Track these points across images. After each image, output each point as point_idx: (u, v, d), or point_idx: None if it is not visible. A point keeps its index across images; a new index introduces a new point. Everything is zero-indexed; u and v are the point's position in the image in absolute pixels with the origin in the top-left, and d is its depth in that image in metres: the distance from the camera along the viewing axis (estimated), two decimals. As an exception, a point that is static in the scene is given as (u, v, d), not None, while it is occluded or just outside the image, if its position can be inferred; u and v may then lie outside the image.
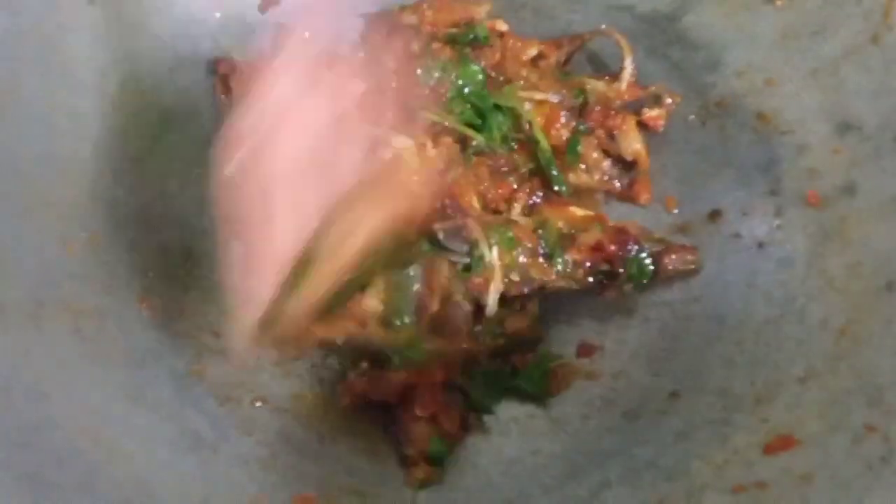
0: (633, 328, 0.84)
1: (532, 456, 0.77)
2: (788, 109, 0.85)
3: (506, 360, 0.81)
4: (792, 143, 0.84)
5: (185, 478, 0.70)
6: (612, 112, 0.89)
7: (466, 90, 0.87)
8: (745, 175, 0.87)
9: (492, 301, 0.79)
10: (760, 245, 0.84)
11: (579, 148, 0.89)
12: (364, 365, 0.77)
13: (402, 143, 0.81)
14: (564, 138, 0.89)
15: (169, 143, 0.88)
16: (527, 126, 0.88)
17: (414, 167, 0.80)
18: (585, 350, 0.83)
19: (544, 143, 0.87)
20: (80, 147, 0.81)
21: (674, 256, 0.83)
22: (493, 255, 0.79)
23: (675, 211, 0.89)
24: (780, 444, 0.71)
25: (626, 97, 0.90)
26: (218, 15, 0.90)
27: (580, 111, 0.90)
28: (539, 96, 0.89)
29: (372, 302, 0.76)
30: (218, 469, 0.72)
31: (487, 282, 0.79)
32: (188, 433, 0.74)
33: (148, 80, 0.87)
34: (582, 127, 0.89)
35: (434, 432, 0.75)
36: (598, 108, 0.89)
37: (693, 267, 0.84)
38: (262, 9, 0.92)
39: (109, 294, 0.78)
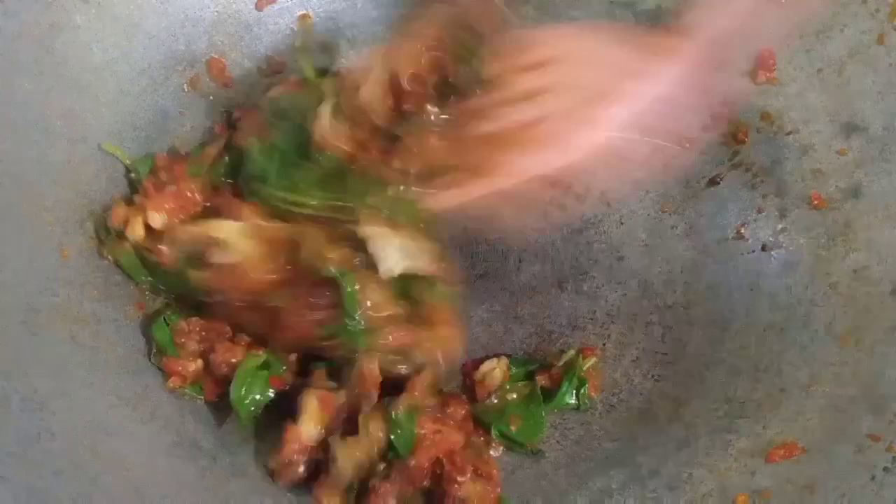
0: (634, 332, 0.83)
1: (534, 463, 0.77)
2: (793, 109, 0.84)
3: (531, 391, 0.78)
4: (796, 144, 0.83)
5: (183, 488, 0.70)
6: None
7: None
8: (749, 176, 0.86)
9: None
10: (764, 247, 0.83)
11: None
12: (382, 466, 0.72)
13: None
14: None
15: (164, 143, 0.87)
16: None
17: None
18: (587, 354, 0.82)
19: None
20: (75, 149, 0.80)
21: None
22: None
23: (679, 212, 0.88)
24: (783, 452, 0.71)
25: None
26: (213, 13, 0.89)
27: None
28: None
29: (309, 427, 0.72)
30: (217, 479, 0.72)
31: None
32: (187, 442, 0.73)
33: (143, 79, 0.86)
34: None
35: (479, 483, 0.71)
36: None
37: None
38: (260, 7, 0.90)
39: (105, 300, 0.77)
